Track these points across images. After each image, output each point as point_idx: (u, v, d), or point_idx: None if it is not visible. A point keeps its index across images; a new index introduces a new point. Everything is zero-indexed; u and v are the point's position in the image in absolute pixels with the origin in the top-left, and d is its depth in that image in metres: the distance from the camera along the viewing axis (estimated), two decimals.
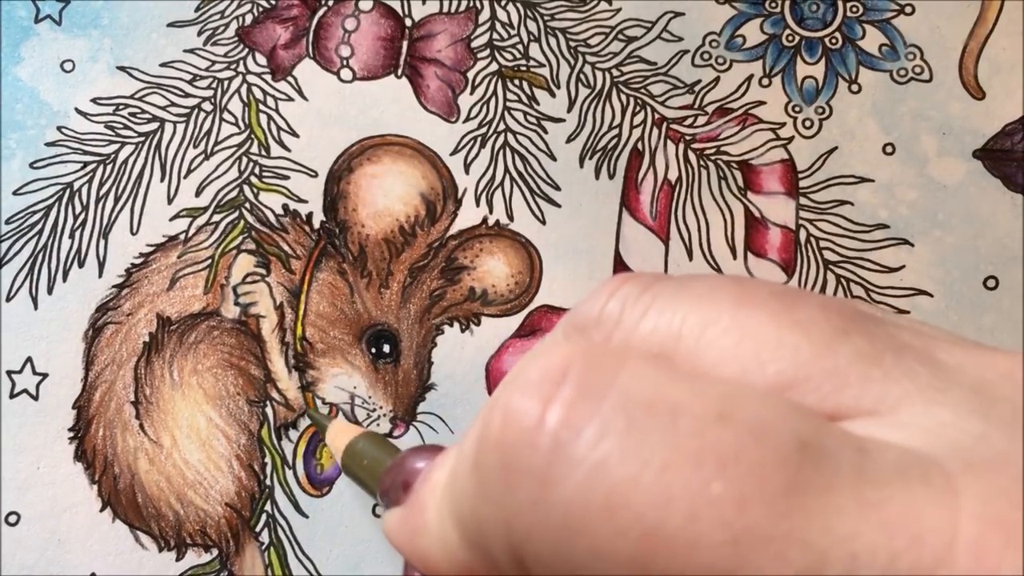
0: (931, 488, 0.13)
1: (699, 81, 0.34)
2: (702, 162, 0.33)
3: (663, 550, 0.13)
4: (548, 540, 0.15)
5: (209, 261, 0.33)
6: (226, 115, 0.34)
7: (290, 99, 0.34)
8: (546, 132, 0.34)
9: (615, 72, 0.34)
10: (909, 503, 0.13)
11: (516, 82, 0.34)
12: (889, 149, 0.33)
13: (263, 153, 0.34)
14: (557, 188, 0.33)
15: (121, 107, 0.34)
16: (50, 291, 0.32)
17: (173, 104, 0.34)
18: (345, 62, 0.34)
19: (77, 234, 0.33)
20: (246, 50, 0.34)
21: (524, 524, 0.15)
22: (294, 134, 0.34)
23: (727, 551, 0.13)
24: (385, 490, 0.22)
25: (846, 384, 0.15)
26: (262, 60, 0.34)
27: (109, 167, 0.33)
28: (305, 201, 0.33)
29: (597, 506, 0.14)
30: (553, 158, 0.33)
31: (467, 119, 0.34)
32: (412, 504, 0.20)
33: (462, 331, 0.32)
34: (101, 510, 0.31)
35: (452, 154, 0.33)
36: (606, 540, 0.14)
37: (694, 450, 0.14)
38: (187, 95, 0.34)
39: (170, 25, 0.35)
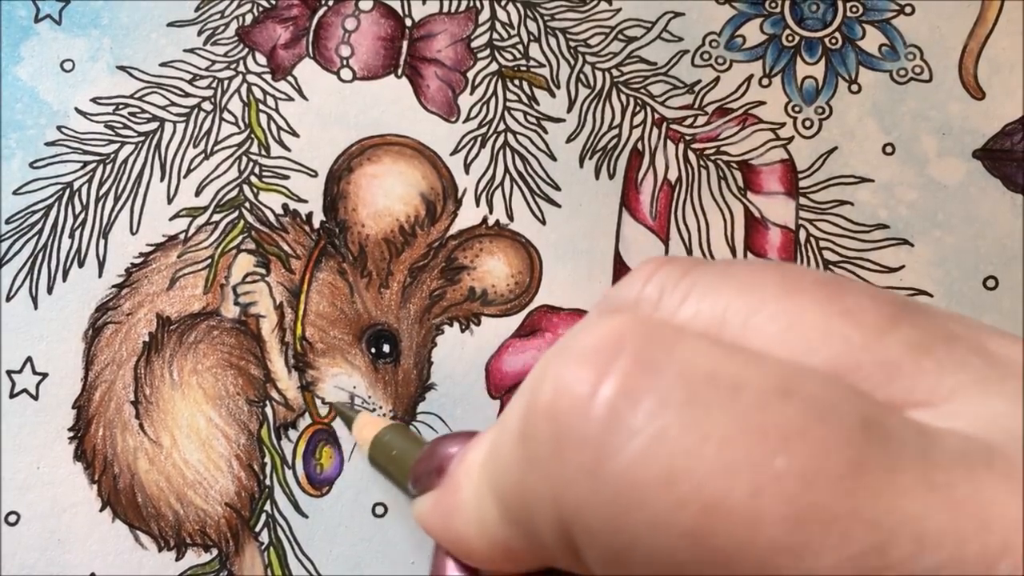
0: (996, 474, 0.13)
1: (699, 81, 0.34)
2: (702, 162, 0.33)
3: (724, 524, 0.13)
4: (601, 513, 0.14)
5: (209, 261, 0.33)
6: (226, 115, 0.34)
7: (290, 99, 0.34)
8: (546, 132, 0.34)
9: (615, 72, 0.34)
10: (975, 488, 0.13)
11: (516, 82, 0.34)
12: (889, 149, 0.33)
13: (263, 153, 0.34)
14: (557, 188, 0.33)
15: (121, 107, 0.34)
16: (50, 291, 0.32)
17: (173, 104, 0.34)
18: (345, 62, 0.34)
19: (77, 234, 0.33)
20: (246, 50, 0.34)
21: (576, 496, 0.15)
22: (294, 134, 0.34)
23: (790, 527, 0.13)
24: (417, 477, 0.22)
25: (898, 374, 0.15)
26: (262, 60, 0.34)
27: (109, 167, 0.33)
28: (305, 201, 0.33)
29: (655, 478, 0.14)
30: (553, 158, 0.33)
31: (467, 119, 0.34)
32: (446, 486, 0.20)
33: (462, 331, 0.32)
34: (101, 510, 0.31)
35: (452, 154, 0.33)
36: (664, 513, 0.14)
37: (757, 424, 0.14)
38: (187, 95, 0.34)
39: (170, 25, 0.35)
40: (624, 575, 0.15)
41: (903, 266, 0.32)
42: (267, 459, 0.31)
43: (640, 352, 0.15)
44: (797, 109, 0.34)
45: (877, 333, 0.15)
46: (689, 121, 0.34)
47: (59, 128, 0.34)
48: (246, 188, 0.33)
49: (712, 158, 0.33)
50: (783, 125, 0.34)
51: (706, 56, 0.34)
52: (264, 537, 0.31)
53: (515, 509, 0.17)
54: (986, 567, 0.12)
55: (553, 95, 0.34)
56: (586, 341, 0.15)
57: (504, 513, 0.17)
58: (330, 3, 0.35)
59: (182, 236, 0.33)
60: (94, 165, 0.33)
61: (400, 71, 0.34)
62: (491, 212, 0.33)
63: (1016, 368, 0.15)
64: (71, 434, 0.31)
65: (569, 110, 0.34)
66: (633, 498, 0.14)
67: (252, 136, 0.34)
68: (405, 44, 0.34)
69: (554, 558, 0.17)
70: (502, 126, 0.34)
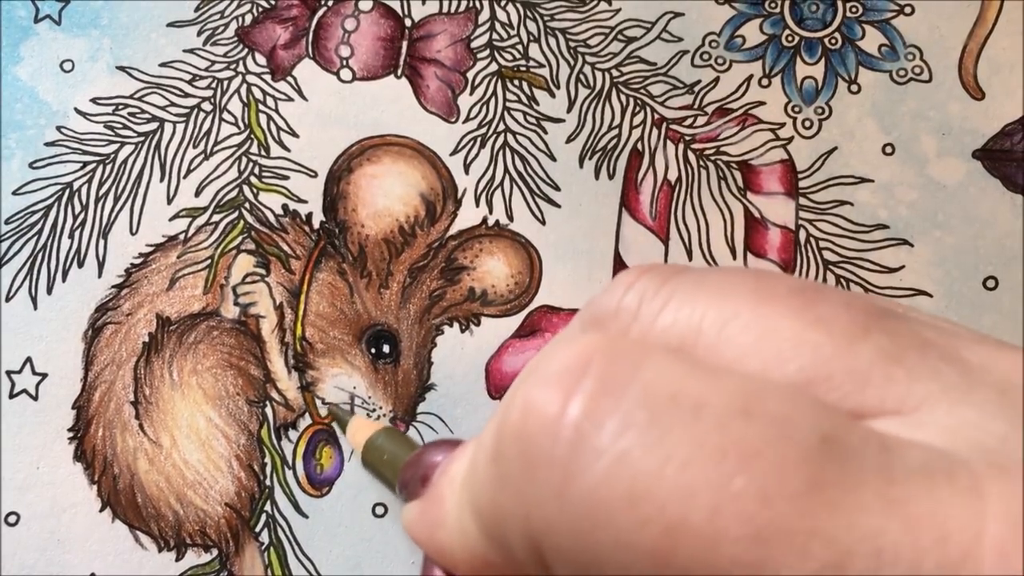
0: (956, 487, 0.13)
1: (699, 81, 0.34)
2: (702, 162, 0.33)
3: (685, 544, 0.13)
4: (568, 532, 0.14)
5: (209, 261, 0.33)
6: (226, 115, 0.34)
7: (290, 99, 0.34)
8: (546, 132, 0.34)
9: (615, 72, 0.34)
10: (935, 502, 0.13)
11: (516, 82, 0.34)
12: (889, 149, 0.33)
13: (263, 153, 0.34)
14: (557, 188, 0.33)
15: (121, 107, 0.34)
16: (50, 291, 0.32)
17: (173, 104, 0.34)
18: (345, 62, 0.34)
19: (77, 234, 0.33)
20: (246, 50, 0.34)
21: (544, 516, 0.15)
22: (294, 134, 0.34)
23: (749, 546, 0.13)
24: (404, 484, 0.22)
25: (868, 383, 0.15)
26: (262, 60, 0.34)
27: (109, 167, 0.33)
28: (305, 201, 0.33)
29: (619, 498, 0.14)
30: (553, 158, 0.33)
31: (467, 119, 0.34)
32: (430, 497, 0.20)
33: (462, 331, 0.32)
34: (101, 510, 0.31)
35: (452, 154, 0.33)
36: (628, 532, 0.14)
37: (717, 445, 0.14)
38: (187, 95, 0.34)
39: (170, 25, 0.34)
40: None
41: (903, 266, 0.32)
42: (267, 459, 0.31)
43: (605, 373, 0.15)
44: (797, 109, 0.34)
45: (848, 341, 0.16)
46: (689, 121, 0.34)
47: (59, 128, 0.34)
48: (246, 188, 0.33)
49: (712, 158, 0.33)
50: (783, 125, 0.34)
51: (706, 56, 0.34)
52: (264, 537, 0.31)
53: (491, 525, 0.17)
54: None
55: (553, 95, 0.34)
56: (555, 362, 0.16)
57: (482, 529, 0.17)
58: (330, 3, 0.35)
59: (182, 236, 0.33)
60: (94, 165, 0.33)
61: (400, 71, 0.34)
62: (491, 212, 0.33)
63: (987, 376, 0.15)
64: (71, 434, 0.31)
65: (569, 110, 0.34)
66: (598, 518, 0.14)
67: (252, 136, 0.34)
68: (405, 44, 0.34)
69: (529, 573, 0.17)
70: (502, 126, 0.34)
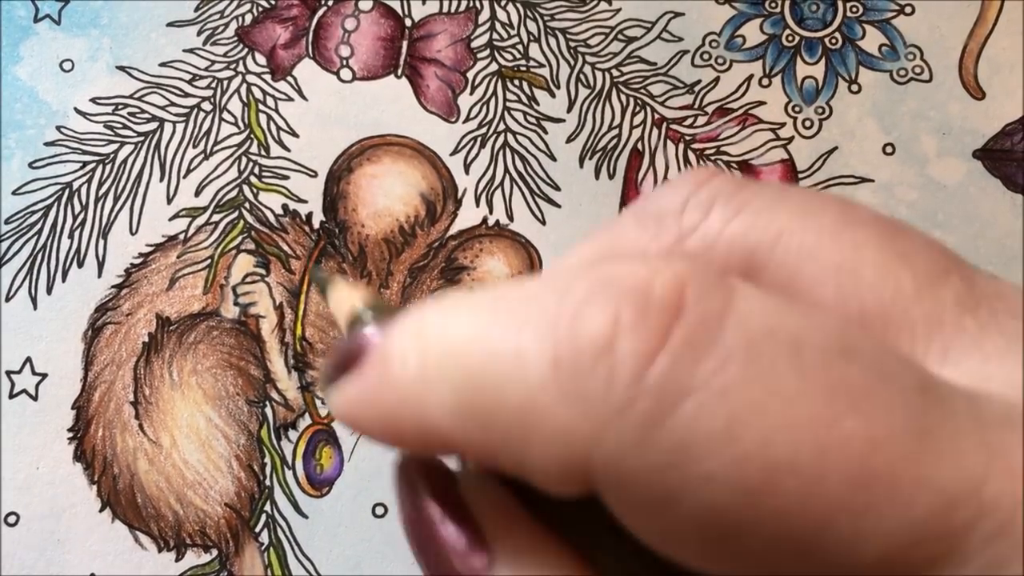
0: None
1: (699, 81, 0.34)
2: (702, 162, 0.33)
3: (785, 482, 0.13)
4: (647, 463, 0.14)
5: (208, 261, 0.33)
6: (226, 115, 0.34)
7: (290, 99, 0.34)
8: (546, 132, 0.34)
9: (615, 72, 0.34)
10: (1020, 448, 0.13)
11: (516, 82, 0.34)
12: (889, 149, 0.33)
13: (263, 153, 0.34)
14: (557, 188, 0.33)
15: (120, 107, 0.34)
16: (49, 291, 0.32)
17: (172, 104, 0.34)
18: (345, 62, 0.34)
19: (76, 234, 0.33)
20: (246, 50, 0.34)
21: (620, 443, 0.14)
22: (294, 134, 0.34)
23: (854, 488, 0.13)
24: (332, 370, 0.18)
25: (940, 328, 0.15)
26: (262, 60, 0.34)
27: (108, 167, 0.33)
28: (305, 201, 0.33)
29: (717, 433, 0.13)
30: (553, 158, 0.33)
31: (467, 119, 0.34)
32: (374, 360, 0.17)
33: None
34: (100, 510, 0.31)
35: (452, 154, 0.33)
36: (722, 468, 0.13)
37: (823, 383, 0.13)
38: (186, 95, 0.34)
39: (169, 25, 0.34)
40: (649, 522, 0.14)
41: None
42: (267, 459, 0.31)
43: (700, 306, 0.14)
44: (797, 109, 0.34)
45: (929, 282, 0.15)
46: (689, 121, 0.34)
47: (58, 128, 0.34)
48: (246, 188, 0.33)
49: (712, 158, 0.33)
50: (783, 125, 0.34)
51: (706, 56, 0.34)
52: (264, 537, 0.31)
53: (502, 429, 0.15)
54: None
55: (553, 95, 0.34)
56: (645, 287, 0.15)
57: (474, 417, 0.15)
58: (330, 3, 0.35)
59: (182, 236, 0.33)
60: (93, 165, 0.33)
61: (400, 71, 0.34)
62: (491, 212, 0.33)
63: None
64: (71, 434, 0.31)
65: (569, 110, 0.34)
66: (691, 452, 0.13)
67: (252, 136, 0.34)
68: (405, 44, 0.34)
69: (509, 468, 0.16)
70: (502, 126, 0.34)
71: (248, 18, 0.35)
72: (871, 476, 0.13)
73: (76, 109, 0.34)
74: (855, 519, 0.13)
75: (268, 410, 0.32)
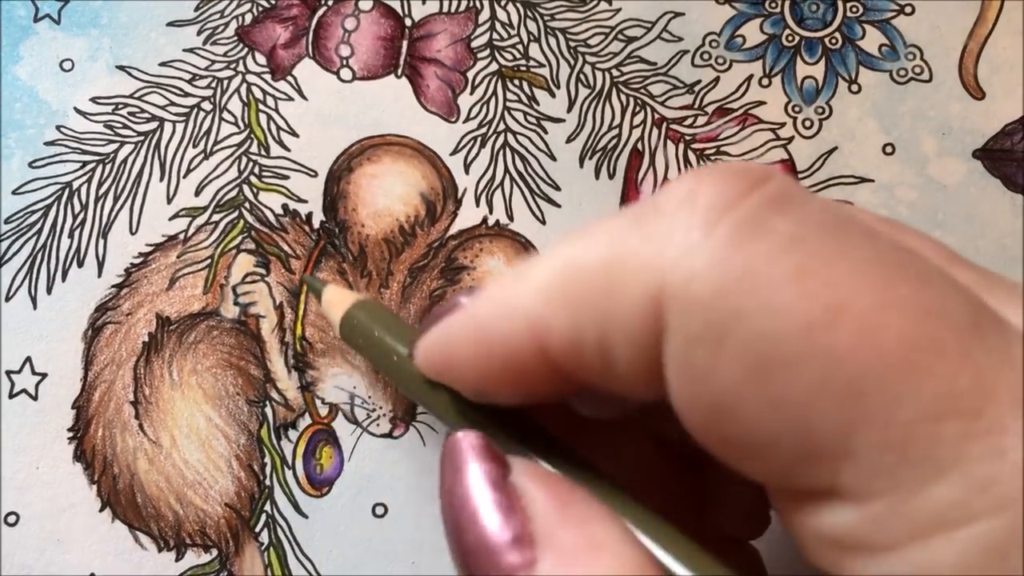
0: None
1: (699, 81, 0.34)
2: (702, 162, 0.33)
3: (846, 322, 0.13)
4: (720, 285, 0.14)
5: (208, 261, 0.33)
6: (226, 115, 0.34)
7: (290, 99, 0.34)
8: (546, 132, 0.34)
9: (615, 72, 0.34)
10: None
11: (516, 82, 0.34)
12: (889, 149, 0.33)
13: (263, 153, 0.34)
14: (557, 188, 0.33)
15: (120, 106, 0.34)
16: (49, 291, 0.32)
17: (172, 103, 0.34)
18: (345, 62, 0.34)
19: (76, 234, 0.33)
20: (246, 50, 0.34)
21: (698, 264, 0.14)
22: (294, 134, 0.34)
23: (906, 347, 0.13)
24: (432, 319, 0.20)
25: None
26: (262, 60, 0.34)
27: (108, 166, 0.33)
28: (305, 201, 0.33)
29: (788, 269, 0.14)
30: (553, 158, 0.33)
31: (467, 119, 0.34)
32: (478, 298, 0.18)
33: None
34: (100, 510, 0.31)
35: (452, 154, 0.33)
36: (788, 300, 0.14)
37: (891, 259, 0.14)
38: (186, 95, 0.34)
39: (169, 24, 0.34)
40: (705, 359, 0.15)
41: None
42: (267, 459, 0.31)
43: (788, 184, 0.15)
44: (797, 109, 0.34)
45: (945, 266, 0.16)
46: (689, 121, 0.34)
47: (58, 128, 0.34)
48: (246, 188, 0.33)
49: (712, 158, 0.33)
50: (783, 125, 0.34)
51: (706, 56, 0.34)
52: (264, 537, 0.31)
53: (589, 285, 0.16)
54: None
55: (553, 95, 0.34)
56: (735, 166, 0.16)
57: (564, 293, 0.16)
58: (330, 3, 0.35)
59: (182, 236, 0.33)
60: (93, 165, 0.33)
61: (400, 71, 0.34)
62: (491, 212, 0.33)
63: None
64: (71, 434, 0.31)
65: (569, 110, 0.34)
66: (758, 280, 0.14)
67: (252, 136, 0.34)
68: (405, 44, 0.34)
69: (590, 356, 0.16)
70: (502, 126, 0.34)
71: (248, 18, 0.35)
72: (923, 339, 0.13)
73: (76, 109, 0.34)
74: (900, 377, 0.13)
75: (268, 410, 0.32)
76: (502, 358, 0.17)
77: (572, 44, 0.34)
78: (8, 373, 0.31)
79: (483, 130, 0.34)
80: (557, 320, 0.16)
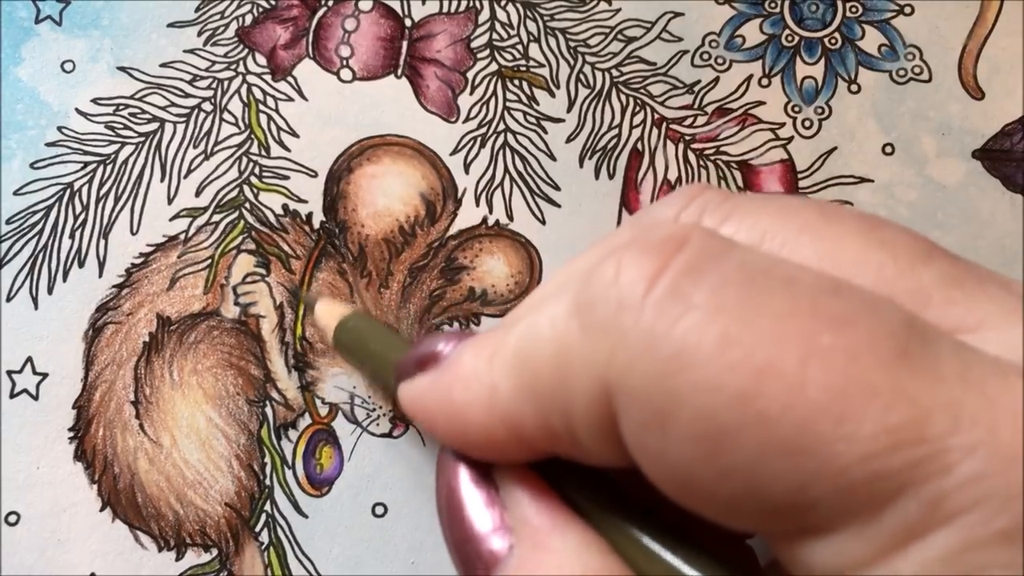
0: None
1: (699, 81, 0.34)
2: (702, 162, 0.33)
3: (771, 386, 0.14)
4: (652, 372, 0.15)
5: (209, 261, 0.33)
6: (226, 115, 0.34)
7: (290, 99, 0.34)
8: (546, 132, 0.34)
9: (615, 72, 0.34)
10: (1009, 388, 0.13)
11: (516, 82, 0.34)
12: (889, 149, 0.33)
13: (263, 153, 0.34)
14: (557, 188, 0.33)
15: (121, 107, 0.34)
16: (50, 291, 0.32)
17: (173, 104, 0.34)
18: (345, 62, 0.34)
19: (77, 234, 0.33)
20: (246, 50, 0.34)
21: (629, 356, 0.15)
22: (294, 134, 0.34)
23: (834, 395, 0.14)
24: (407, 363, 0.22)
25: (929, 304, 0.16)
26: (262, 60, 0.34)
27: (109, 167, 0.33)
28: (305, 201, 0.33)
29: (710, 343, 0.14)
30: (553, 158, 0.33)
31: (467, 119, 0.34)
32: (447, 365, 0.20)
33: (462, 331, 0.32)
34: (101, 510, 0.31)
35: (452, 154, 0.33)
36: (714, 375, 0.14)
37: (810, 308, 0.14)
38: (187, 95, 0.34)
39: (170, 25, 0.35)
40: (655, 441, 0.15)
41: None
42: (267, 459, 0.31)
43: (703, 244, 0.16)
44: (797, 109, 0.34)
45: (911, 264, 0.16)
46: (689, 121, 0.34)
47: (59, 129, 0.34)
48: (246, 188, 0.33)
49: (712, 158, 0.33)
50: (783, 125, 0.34)
51: (706, 56, 0.34)
52: (264, 537, 0.31)
53: (546, 381, 0.17)
54: (1019, 449, 0.13)
55: (553, 95, 0.34)
56: (650, 237, 0.16)
57: (525, 387, 0.17)
58: (330, 3, 0.35)
59: (182, 236, 0.33)
60: (94, 165, 0.33)
61: (400, 71, 0.34)
62: (491, 212, 0.33)
63: None
64: (71, 434, 0.31)
65: (569, 110, 0.34)
66: (687, 360, 0.14)
67: (252, 136, 0.34)
68: (405, 44, 0.34)
69: (560, 438, 0.17)
70: (502, 126, 0.34)
71: (248, 18, 0.35)
72: (850, 383, 0.14)
73: (77, 110, 0.34)
74: (835, 423, 0.13)
75: (268, 410, 0.32)
76: (477, 439, 0.19)
77: (572, 44, 0.34)
78: (9, 373, 0.32)
79: (483, 130, 0.34)
80: (525, 415, 0.18)
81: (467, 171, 0.33)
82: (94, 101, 0.34)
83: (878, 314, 0.14)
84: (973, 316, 0.15)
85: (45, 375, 0.32)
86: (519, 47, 0.34)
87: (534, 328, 0.17)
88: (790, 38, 0.34)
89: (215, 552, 0.31)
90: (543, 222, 0.33)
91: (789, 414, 0.14)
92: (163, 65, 0.34)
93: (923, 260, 0.16)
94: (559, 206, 0.33)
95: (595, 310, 0.16)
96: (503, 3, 0.35)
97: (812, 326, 0.14)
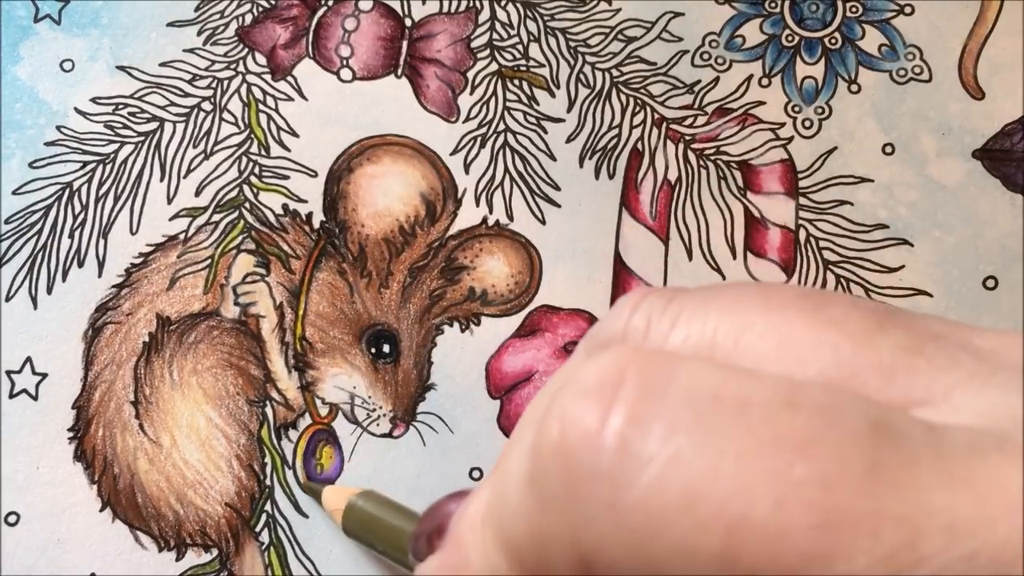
0: (1010, 458, 0.13)
1: (699, 81, 0.34)
2: (702, 162, 0.33)
3: (751, 541, 0.13)
4: (623, 544, 0.14)
5: (209, 261, 0.33)
6: (226, 115, 0.34)
7: (290, 99, 0.34)
8: (546, 132, 0.34)
9: (615, 72, 0.34)
10: (993, 474, 0.13)
11: (516, 82, 0.34)
12: (889, 149, 0.33)
13: (263, 153, 0.34)
14: (557, 188, 0.33)
15: (120, 107, 0.34)
16: (49, 291, 0.32)
17: (173, 104, 0.34)
18: (345, 62, 0.34)
19: (77, 234, 0.33)
20: (246, 50, 0.34)
21: (596, 532, 0.14)
22: (294, 134, 0.34)
23: (818, 534, 0.13)
24: (417, 542, 0.22)
25: (893, 376, 0.15)
26: (262, 60, 0.34)
27: (109, 167, 0.33)
28: (305, 201, 0.33)
29: (674, 503, 0.13)
30: (553, 158, 0.33)
31: (467, 119, 0.34)
32: (449, 545, 0.20)
33: (462, 331, 0.32)
34: (101, 510, 0.31)
35: (452, 154, 0.33)
36: (688, 538, 0.13)
37: (769, 436, 0.13)
38: (187, 95, 0.34)
39: (170, 25, 0.34)
40: None
41: (903, 266, 0.32)
42: (267, 459, 0.31)
43: (642, 380, 0.15)
44: (797, 109, 0.34)
45: (865, 338, 0.15)
46: (689, 121, 0.34)
47: (59, 128, 0.34)
48: (246, 188, 0.33)
49: (712, 158, 0.33)
50: (783, 125, 0.34)
51: (706, 56, 0.34)
52: (264, 537, 0.31)
53: (529, 555, 0.16)
54: (1020, 543, 0.12)
55: (553, 95, 0.34)
56: (587, 376, 0.15)
57: (515, 561, 0.17)
58: (330, 3, 0.35)
59: (182, 236, 0.33)
60: (94, 165, 0.33)
61: (400, 71, 0.34)
62: (491, 212, 0.33)
63: (1003, 360, 0.15)
64: (71, 434, 0.31)
65: (569, 110, 0.34)
66: (654, 526, 0.14)
67: (252, 136, 0.34)
68: (405, 44, 0.34)
69: None
70: (502, 126, 0.34)
71: (248, 18, 0.35)
72: (832, 518, 0.13)
73: (76, 109, 0.34)
74: (826, 565, 0.13)
75: (268, 410, 0.32)
76: None
77: (572, 44, 0.34)
78: (8, 373, 0.32)
79: (483, 130, 0.34)
80: None
81: (467, 171, 0.33)
82: (93, 100, 0.34)
83: (841, 422, 0.14)
84: (940, 384, 0.15)
85: (44, 375, 0.32)
86: (519, 47, 0.34)
87: (502, 496, 0.17)
88: (790, 38, 0.34)
89: (215, 552, 0.31)
90: (543, 222, 0.33)
91: (777, 566, 0.13)
92: (162, 64, 0.34)
93: (877, 331, 0.16)
94: (559, 206, 0.33)
95: (548, 483, 0.15)
96: (503, 3, 0.35)
97: (777, 460, 0.13)
